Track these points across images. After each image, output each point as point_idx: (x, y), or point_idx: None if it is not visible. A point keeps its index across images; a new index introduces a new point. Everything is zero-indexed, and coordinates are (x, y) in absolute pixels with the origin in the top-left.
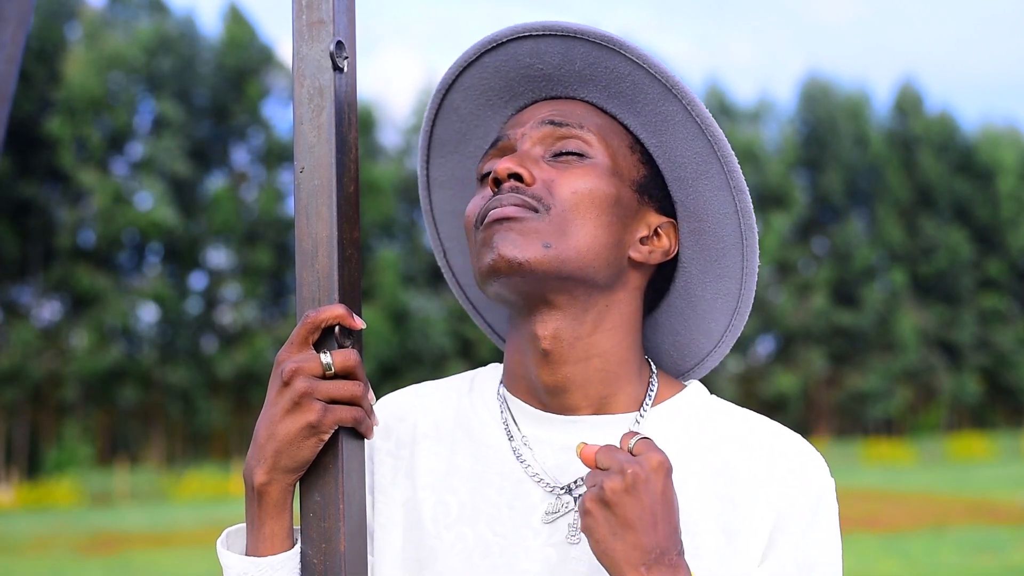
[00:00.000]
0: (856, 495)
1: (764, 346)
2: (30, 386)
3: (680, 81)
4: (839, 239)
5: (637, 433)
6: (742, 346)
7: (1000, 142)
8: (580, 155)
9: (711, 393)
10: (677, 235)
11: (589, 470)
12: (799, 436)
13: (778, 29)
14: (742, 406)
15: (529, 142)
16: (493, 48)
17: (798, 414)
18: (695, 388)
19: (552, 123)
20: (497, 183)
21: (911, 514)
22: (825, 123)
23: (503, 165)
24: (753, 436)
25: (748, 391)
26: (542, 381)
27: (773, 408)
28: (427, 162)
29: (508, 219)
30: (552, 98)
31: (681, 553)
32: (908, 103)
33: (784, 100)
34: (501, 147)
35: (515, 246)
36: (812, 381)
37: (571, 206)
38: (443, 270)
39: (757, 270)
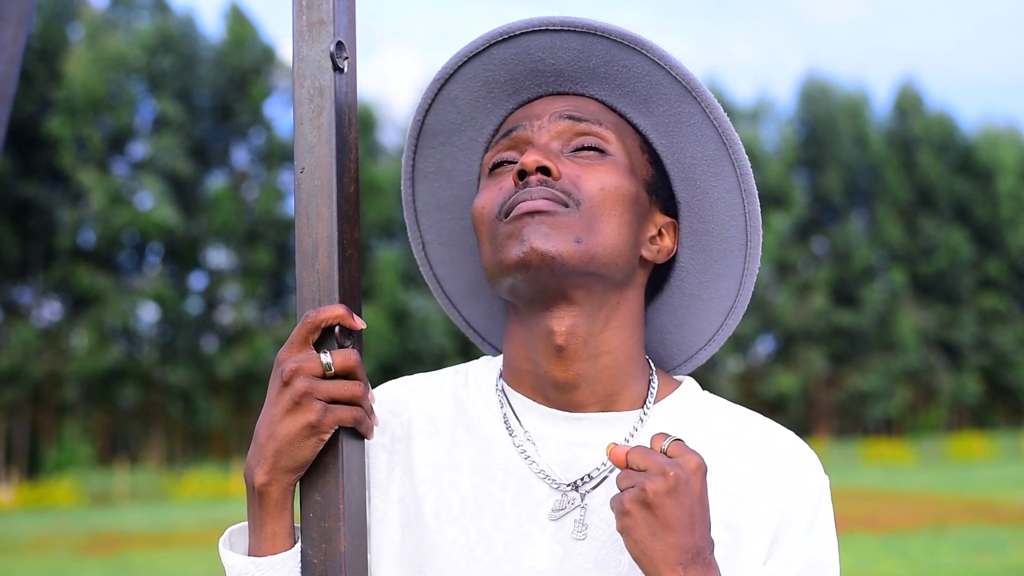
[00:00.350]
0: (856, 495)
1: (764, 346)
2: (30, 386)
3: (700, 83)
4: (839, 239)
5: (668, 435)
6: (742, 346)
7: (1000, 142)
8: (601, 152)
9: (704, 390)
10: (677, 235)
11: (619, 470)
12: (792, 433)
13: (778, 29)
14: (742, 406)
15: (547, 135)
16: (502, 40)
17: (798, 414)
18: (689, 384)
19: (571, 118)
20: (521, 176)
21: (911, 514)
22: (824, 123)
23: (531, 158)
24: (749, 433)
25: (748, 391)
26: (552, 377)
27: (773, 408)
28: (414, 152)
29: (539, 212)
30: (559, 93)
31: (713, 552)
32: (908, 103)
33: (783, 100)
34: (515, 138)
35: (547, 239)
36: (812, 381)
37: (599, 202)
38: (420, 263)
39: (757, 272)
